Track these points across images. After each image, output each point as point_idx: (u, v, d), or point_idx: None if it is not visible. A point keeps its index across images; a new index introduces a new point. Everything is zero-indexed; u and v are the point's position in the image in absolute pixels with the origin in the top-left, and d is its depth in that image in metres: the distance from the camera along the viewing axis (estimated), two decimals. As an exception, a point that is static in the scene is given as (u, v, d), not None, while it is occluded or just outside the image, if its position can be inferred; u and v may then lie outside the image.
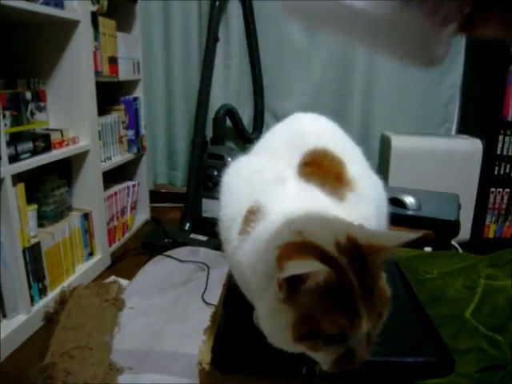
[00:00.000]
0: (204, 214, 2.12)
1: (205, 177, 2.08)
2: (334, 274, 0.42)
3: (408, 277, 0.82)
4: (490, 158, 2.07)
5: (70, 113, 1.64)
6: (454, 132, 2.39)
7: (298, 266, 0.41)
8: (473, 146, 2.06)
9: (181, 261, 1.81)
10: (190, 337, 1.30)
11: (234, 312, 0.69)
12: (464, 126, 2.35)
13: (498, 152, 2.10)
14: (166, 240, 1.99)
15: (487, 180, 2.09)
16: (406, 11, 0.35)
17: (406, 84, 2.28)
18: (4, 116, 1.34)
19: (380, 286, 0.45)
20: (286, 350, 0.47)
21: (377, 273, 0.45)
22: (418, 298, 0.74)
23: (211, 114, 2.22)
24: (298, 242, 0.45)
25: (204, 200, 2.11)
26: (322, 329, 0.43)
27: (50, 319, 1.43)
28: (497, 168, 2.11)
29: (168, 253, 1.89)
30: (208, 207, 2.10)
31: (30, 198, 1.44)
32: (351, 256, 0.44)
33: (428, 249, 1.54)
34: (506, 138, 2.09)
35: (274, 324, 0.46)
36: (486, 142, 2.06)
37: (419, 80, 2.26)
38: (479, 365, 0.96)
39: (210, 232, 1.99)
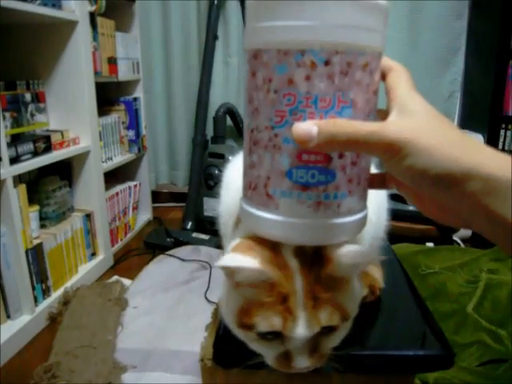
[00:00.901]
0: (205, 213, 2.13)
1: (206, 176, 2.08)
2: (274, 275, 0.42)
3: (410, 272, 0.82)
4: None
5: (70, 114, 1.65)
6: (454, 127, 2.38)
7: (230, 260, 0.42)
8: (474, 141, 2.05)
9: (183, 260, 1.82)
10: (193, 335, 1.31)
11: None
12: (465, 121, 2.34)
13: (500, 147, 2.09)
14: (169, 239, 1.99)
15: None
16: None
17: (407, 80, 2.27)
18: (4, 118, 1.35)
19: (333, 300, 0.43)
20: (235, 334, 0.48)
21: (331, 286, 0.43)
22: (419, 293, 0.74)
23: (211, 113, 2.22)
24: (255, 238, 0.45)
25: (205, 199, 2.11)
26: (257, 324, 0.43)
27: (54, 319, 1.44)
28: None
29: (170, 252, 1.89)
30: (209, 206, 2.10)
31: (32, 200, 1.44)
32: (306, 262, 0.43)
33: (430, 244, 1.54)
34: (508, 133, 2.08)
35: (227, 307, 0.47)
36: (487, 137, 2.06)
37: (420, 76, 2.25)
38: (481, 358, 0.96)
39: (211, 231, 2.00)
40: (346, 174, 0.40)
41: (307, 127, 0.36)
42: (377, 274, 0.71)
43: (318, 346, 0.46)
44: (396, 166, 0.36)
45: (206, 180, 2.09)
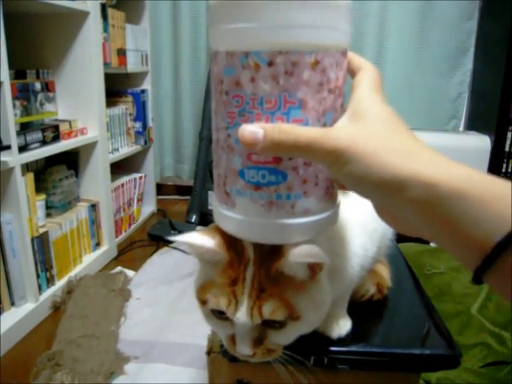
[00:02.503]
0: (210, 207, 2.13)
1: (211, 169, 2.08)
2: (225, 257, 0.45)
3: (415, 271, 0.83)
4: (498, 155, 2.06)
5: (78, 104, 1.65)
6: (462, 128, 2.38)
7: (189, 237, 0.45)
8: (481, 143, 2.05)
9: (187, 253, 1.82)
10: (196, 327, 1.32)
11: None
12: (472, 122, 2.34)
13: (507, 149, 2.09)
14: (173, 232, 2.00)
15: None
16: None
17: (415, 80, 2.26)
18: (14, 106, 1.35)
19: (281, 296, 0.44)
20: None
21: (282, 282, 0.45)
22: (426, 292, 0.74)
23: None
24: None
25: (210, 192, 2.12)
26: (208, 300, 0.46)
27: (58, 308, 1.45)
28: (505, 165, 2.11)
29: (174, 244, 1.90)
30: (214, 200, 2.10)
31: (38, 188, 1.45)
32: (262, 255, 0.45)
33: (433, 244, 1.54)
34: (515, 135, 2.08)
35: (196, 281, 0.50)
36: (494, 139, 2.05)
37: (427, 76, 2.24)
38: (485, 360, 0.96)
39: (216, 225, 2.00)
40: (299, 175, 0.40)
41: (252, 130, 0.37)
42: (384, 273, 0.71)
43: (264, 339, 0.47)
44: (337, 173, 0.36)
45: (212, 174, 2.08)
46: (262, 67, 0.37)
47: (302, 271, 0.45)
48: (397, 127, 0.37)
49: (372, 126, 0.36)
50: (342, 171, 0.35)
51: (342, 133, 0.36)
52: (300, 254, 0.42)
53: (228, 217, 0.43)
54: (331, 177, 0.42)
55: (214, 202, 0.46)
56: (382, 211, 0.40)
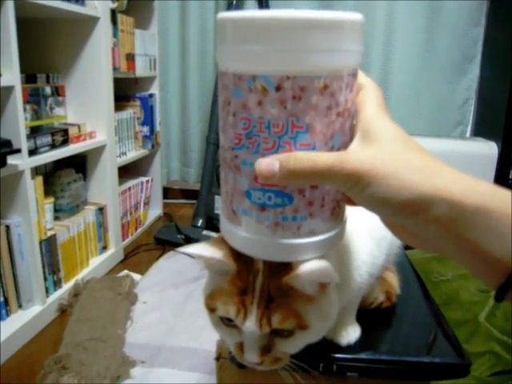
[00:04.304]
0: (216, 211, 2.14)
1: (218, 174, 2.09)
2: (233, 268, 0.45)
3: (422, 278, 0.82)
4: (505, 162, 2.05)
5: (87, 108, 1.66)
6: (468, 135, 2.37)
7: (196, 248, 0.46)
8: (488, 149, 2.04)
9: (193, 257, 1.82)
10: (202, 332, 1.32)
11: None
12: (479, 128, 2.33)
13: (514, 156, 2.08)
14: (179, 236, 2.00)
15: (502, 184, 2.02)
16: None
17: (421, 86, 2.26)
18: (25, 110, 1.36)
19: (290, 307, 0.45)
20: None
21: (290, 293, 0.45)
22: (434, 299, 0.74)
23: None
24: None
25: (217, 197, 2.12)
26: (217, 308, 0.47)
27: (64, 311, 1.45)
28: (512, 172, 2.10)
29: (180, 249, 1.90)
30: (221, 204, 2.11)
31: (47, 192, 1.46)
32: (272, 267, 0.45)
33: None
34: (522, 142, 2.07)
35: (205, 289, 0.51)
36: (501, 145, 2.04)
37: (434, 82, 2.24)
38: (493, 369, 0.95)
39: (222, 229, 2.00)
40: (306, 198, 0.39)
41: (268, 163, 0.36)
42: (393, 281, 0.71)
43: (272, 347, 0.48)
44: (357, 195, 0.35)
45: (218, 178, 2.09)
46: (270, 91, 0.36)
47: (312, 287, 0.45)
48: (411, 146, 0.36)
49: (388, 146, 0.35)
50: (362, 194, 0.35)
51: (359, 155, 0.35)
52: (311, 272, 0.42)
53: (234, 233, 0.43)
54: (338, 198, 0.42)
55: (222, 216, 0.46)
56: (398, 230, 0.39)
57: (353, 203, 0.43)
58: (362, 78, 0.41)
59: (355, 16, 0.37)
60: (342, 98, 0.38)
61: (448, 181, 0.33)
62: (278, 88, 0.36)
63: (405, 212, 0.33)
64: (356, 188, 0.34)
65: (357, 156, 0.35)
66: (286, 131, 0.37)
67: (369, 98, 0.39)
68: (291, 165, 0.35)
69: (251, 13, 0.35)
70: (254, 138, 0.38)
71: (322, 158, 0.35)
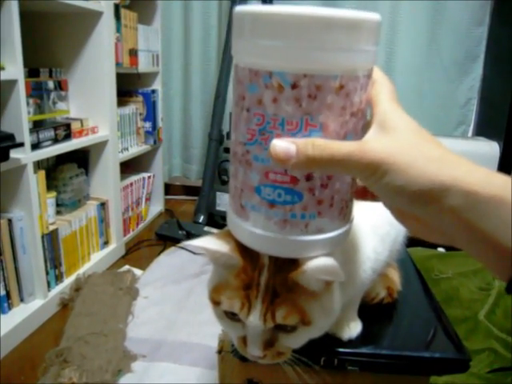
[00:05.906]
0: (218, 208, 2.14)
1: (220, 171, 2.10)
2: (239, 262, 0.46)
3: (423, 275, 0.83)
4: (507, 162, 2.05)
5: (90, 103, 1.66)
6: (470, 134, 2.37)
7: (203, 241, 0.46)
8: (490, 149, 2.04)
9: (194, 253, 1.83)
10: (203, 327, 1.32)
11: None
12: (481, 128, 2.33)
13: (516, 156, 2.08)
14: (180, 232, 2.01)
15: (503, 183, 2.06)
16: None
17: (424, 85, 2.26)
18: (28, 104, 1.37)
19: (294, 302, 0.45)
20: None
21: (295, 289, 0.45)
22: (434, 296, 0.75)
23: (229, 109, 2.22)
24: None
25: (218, 193, 2.12)
26: (222, 301, 0.47)
27: (66, 305, 1.46)
28: (513, 171, 2.10)
29: (181, 244, 1.91)
30: (222, 201, 2.11)
31: (49, 186, 1.46)
32: (277, 262, 0.45)
33: (441, 249, 1.54)
34: (524, 142, 2.07)
35: (209, 282, 0.52)
36: (503, 145, 2.04)
37: (437, 82, 2.24)
38: (491, 366, 0.96)
39: (223, 225, 2.00)
40: (315, 196, 0.40)
41: (285, 146, 0.36)
42: (395, 277, 0.71)
43: (275, 341, 0.48)
44: (374, 184, 0.36)
45: (220, 175, 2.10)
46: (286, 89, 0.36)
47: (317, 284, 0.46)
48: (427, 137, 0.37)
49: (405, 136, 0.36)
50: (379, 183, 0.35)
51: (378, 145, 0.36)
52: (317, 269, 0.43)
53: (241, 227, 0.43)
54: (347, 198, 0.42)
55: (229, 210, 0.46)
56: (411, 221, 0.39)
57: (364, 196, 0.43)
58: (375, 72, 0.42)
59: (374, 16, 0.37)
60: (357, 98, 0.38)
61: (465, 171, 0.33)
62: (294, 86, 0.36)
63: (421, 201, 0.34)
64: (374, 177, 0.35)
65: (376, 145, 0.36)
66: (300, 129, 0.37)
67: (383, 92, 0.40)
68: (310, 151, 0.35)
69: (271, 8, 0.35)
70: (268, 134, 0.38)
71: (341, 147, 0.35)
